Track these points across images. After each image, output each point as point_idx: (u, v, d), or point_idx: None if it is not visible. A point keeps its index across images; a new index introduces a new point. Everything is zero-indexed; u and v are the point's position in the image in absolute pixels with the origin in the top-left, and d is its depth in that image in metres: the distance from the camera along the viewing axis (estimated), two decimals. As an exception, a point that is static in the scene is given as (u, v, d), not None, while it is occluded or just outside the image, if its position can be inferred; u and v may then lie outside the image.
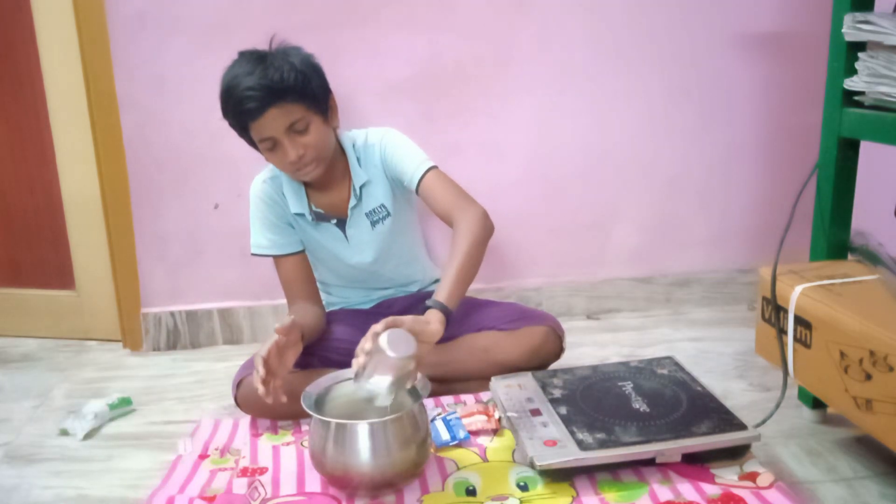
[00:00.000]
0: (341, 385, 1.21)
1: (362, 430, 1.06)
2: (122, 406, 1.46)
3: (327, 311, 1.54)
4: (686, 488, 1.08)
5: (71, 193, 1.79)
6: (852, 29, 1.18)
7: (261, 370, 1.17)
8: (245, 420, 1.37)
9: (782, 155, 1.89)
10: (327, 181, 1.43)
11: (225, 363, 1.70)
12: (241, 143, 1.71)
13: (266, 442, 1.29)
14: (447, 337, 1.47)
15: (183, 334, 1.82)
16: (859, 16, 1.17)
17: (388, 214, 1.46)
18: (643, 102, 1.82)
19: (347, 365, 1.31)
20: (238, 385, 1.35)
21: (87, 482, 1.23)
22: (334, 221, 1.45)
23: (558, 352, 1.44)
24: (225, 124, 1.72)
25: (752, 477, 1.10)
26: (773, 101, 1.86)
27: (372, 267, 1.49)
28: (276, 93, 1.26)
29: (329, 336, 1.46)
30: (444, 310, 1.20)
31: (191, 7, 1.64)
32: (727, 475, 1.11)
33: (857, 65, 1.19)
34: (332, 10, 1.67)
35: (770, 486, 1.07)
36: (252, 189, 1.47)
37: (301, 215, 1.44)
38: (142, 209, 1.74)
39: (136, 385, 1.60)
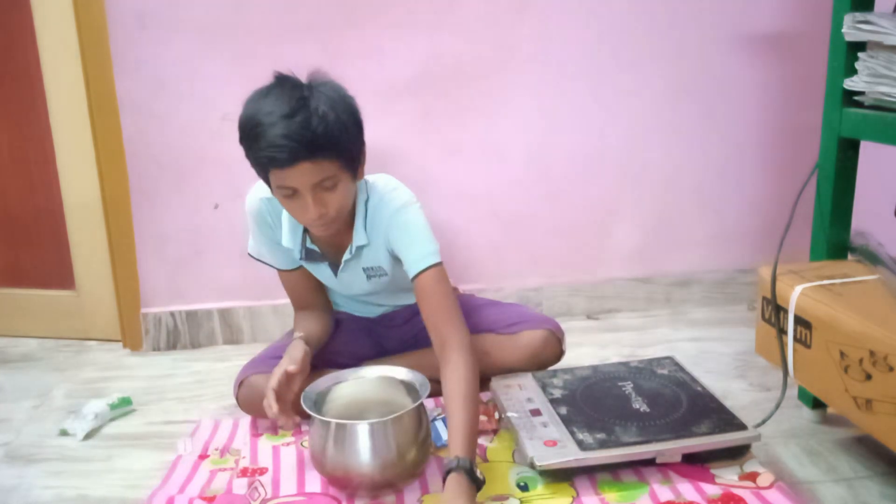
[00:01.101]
0: (341, 386, 1.22)
1: (362, 430, 1.06)
2: (122, 406, 1.46)
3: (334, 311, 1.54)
4: (686, 488, 1.08)
5: (71, 194, 1.79)
6: (852, 29, 1.18)
7: (274, 407, 1.17)
8: (245, 420, 1.37)
9: (782, 155, 1.89)
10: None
11: (225, 363, 1.70)
12: (241, 144, 1.72)
13: (266, 442, 1.29)
14: None
15: (183, 334, 1.81)
16: (859, 16, 1.17)
17: (386, 274, 1.36)
18: (643, 102, 1.82)
19: (349, 367, 1.31)
20: (240, 385, 1.35)
21: (87, 482, 1.23)
22: (326, 263, 1.36)
23: (558, 355, 1.44)
24: (225, 124, 1.72)
25: (753, 477, 1.10)
26: (773, 101, 1.86)
27: (365, 297, 1.46)
28: (315, 148, 1.11)
29: (334, 340, 1.45)
30: (466, 468, 1.02)
31: (191, 7, 1.63)
32: (727, 475, 1.11)
33: (857, 65, 1.19)
34: (332, 10, 1.67)
35: (770, 486, 1.07)
36: (248, 201, 1.35)
37: (289, 251, 1.36)
38: (142, 209, 1.74)
39: (136, 385, 1.60)
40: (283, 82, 1.16)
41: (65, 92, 1.72)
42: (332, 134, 1.12)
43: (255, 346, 1.78)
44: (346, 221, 1.29)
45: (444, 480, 1.02)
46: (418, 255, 1.25)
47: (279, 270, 1.44)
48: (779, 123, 1.88)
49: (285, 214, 1.31)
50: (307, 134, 1.10)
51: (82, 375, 1.67)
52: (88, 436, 1.37)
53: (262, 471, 1.20)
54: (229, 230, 1.76)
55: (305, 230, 1.33)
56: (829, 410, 1.33)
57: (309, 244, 1.34)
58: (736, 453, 1.14)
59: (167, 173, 1.73)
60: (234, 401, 1.49)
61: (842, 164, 1.25)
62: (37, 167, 1.80)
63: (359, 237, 1.30)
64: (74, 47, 1.66)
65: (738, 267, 1.94)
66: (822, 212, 1.29)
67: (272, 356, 1.37)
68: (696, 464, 1.13)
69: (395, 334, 1.52)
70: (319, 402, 1.16)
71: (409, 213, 1.28)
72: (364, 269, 1.36)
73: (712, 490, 1.08)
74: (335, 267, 1.36)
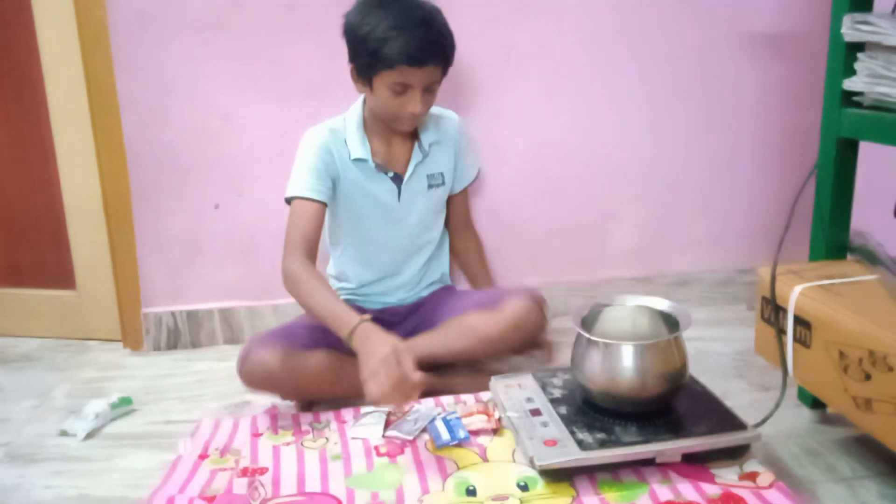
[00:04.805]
0: (606, 310, 1.30)
1: (626, 350, 1.16)
2: (123, 406, 1.46)
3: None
4: (686, 488, 1.09)
5: (71, 193, 1.79)
6: (851, 29, 1.18)
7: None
8: (245, 420, 1.38)
9: (782, 155, 1.89)
10: (393, 134, 1.48)
11: (225, 363, 1.70)
12: (241, 143, 1.72)
13: (266, 442, 1.29)
14: (433, 323, 1.48)
15: (183, 334, 1.82)
16: (858, 16, 1.17)
17: (444, 184, 1.55)
18: (643, 102, 1.83)
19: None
20: (245, 360, 1.34)
21: (87, 482, 1.23)
22: (391, 175, 1.48)
23: (542, 324, 1.45)
24: (226, 124, 1.72)
25: (752, 477, 1.10)
26: (773, 101, 1.86)
27: (408, 231, 1.52)
28: (441, 55, 1.36)
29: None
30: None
31: (191, 7, 1.64)
32: (727, 475, 1.11)
33: (857, 65, 1.19)
34: (332, 10, 1.66)
35: (770, 486, 1.08)
36: (308, 136, 1.46)
37: (363, 161, 1.44)
38: (142, 209, 1.74)
39: (137, 385, 1.60)
40: None
41: (65, 92, 1.72)
42: (451, 46, 1.38)
43: (255, 345, 1.78)
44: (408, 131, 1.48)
45: None
46: (475, 164, 1.65)
47: (301, 202, 1.40)
48: (778, 123, 1.88)
49: (350, 133, 1.46)
50: (441, 42, 1.35)
51: (83, 375, 1.67)
52: (89, 436, 1.38)
53: (263, 470, 1.20)
54: (229, 230, 1.76)
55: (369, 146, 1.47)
56: (829, 410, 1.33)
57: (373, 159, 1.47)
58: (735, 453, 1.15)
59: (168, 173, 1.73)
60: (234, 400, 1.49)
61: (841, 165, 1.25)
62: (37, 167, 1.80)
63: (428, 135, 1.51)
64: (75, 47, 1.66)
65: (737, 267, 1.95)
66: (821, 212, 1.29)
67: (280, 335, 1.38)
68: (696, 463, 1.13)
69: (395, 332, 1.53)
70: (587, 323, 1.26)
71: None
72: (427, 177, 1.52)
73: (712, 490, 1.08)
74: (398, 181, 1.49)
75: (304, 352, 1.36)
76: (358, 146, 1.44)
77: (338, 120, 1.49)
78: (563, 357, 1.46)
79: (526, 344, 1.46)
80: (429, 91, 1.39)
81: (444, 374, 1.46)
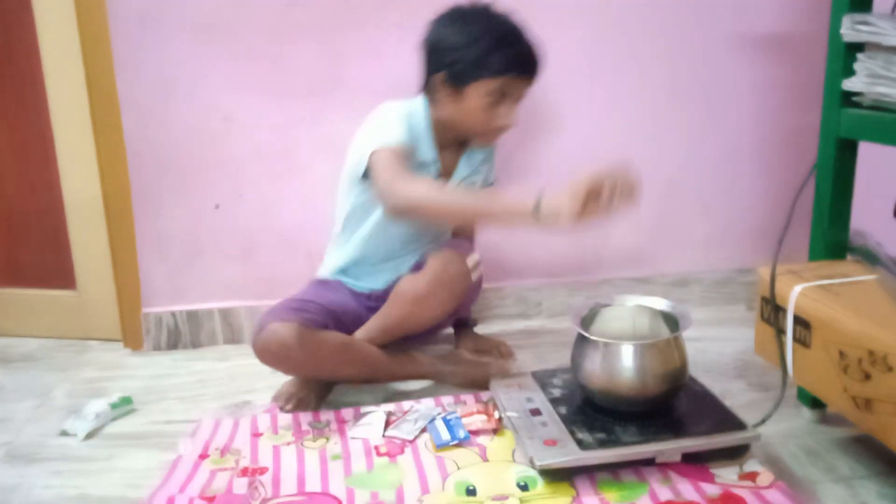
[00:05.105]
0: (605, 310, 1.30)
1: (626, 350, 1.16)
2: (123, 406, 1.46)
3: (326, 279, 1.57)
4: (686, 488, 1.09)
5: (72, 193, 1.79)
6: (851, 30, 1.18)
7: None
8: (245, 420, 1.38)
9: (781, 155, 1.89)
10: (449, 144, 1.49)
11: (226, 363, 1.70)
12: (242, 143, 1.72)
13: (266, 442, 1.30)
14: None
15: (184, 334, 1.82)
16: (858, 17, 1.17)
17: (475, 181, 1.57)
18: (642, 102, 1.83)
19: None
20: (260, 331, 1.33)
21: (87, 482, 1.23)
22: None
23: (465, 274, 1.42)
24: (225, 125, 1.72)
25: (752, 476, 1.11)
26: (773, 101, 1.87)
27: (428, 230, 1.55)
28: (538, 70, 1.40)
29: (340, 316, 1.47)
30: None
31: (192, 7, 1.64)
32: (727, 475, 1.12)
33: (856, 65, 1.19)
34: (333, 11, 1.67)
35: (770, 486, 1.08)
36: (391, 106, 1.42)
37: (427, 164, 1.44)
38: (143, 209, 1.74)
39: (137, 385, 1.60)
40: (503, 16, 1.38)
41: (66, 92, 1.72)
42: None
43: (255, 345, 1.78)
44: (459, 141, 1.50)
45: None
46: (493, 168, 1.63)
47: (399, 148, 1.35)
48: (777, 124, 1.88)
49: (422, 133, 1.43)
50: (539, 56, 1.39)
51: (83, 375, 1.67)
52: (89, 435, 1.38)
53: (263, 470, 1.20)
54: (230, 230, 1.76)
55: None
56: (829, 410, 1.33)
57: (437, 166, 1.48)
58: (735, 453, 1.15)
59: (168, 173, 1.73)
60: (234, 400, 1.49)
61: (840, 165, 1.25)
62: (38, 167, 1.80)
63: (483, 150, 1.54)
64: (76, 47, 1.66)
65: (737, 267, 1.95)
66: (820, 212, 1.29)
67: (297, 308, 1.38)
68: (696, 463, 1.14)
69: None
70: (587, 323, 1.27)
71: None
72: (463, 181, 1.53)
73: (712, 489, 1.08)
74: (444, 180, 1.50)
75: (319, 330, 1.36)
76: (427, 149, 1.44)
77: (406, 109, 1.42)
78: (563, 358, 1.47)
79: (461, 297, 1.43)
80: (517, 105, 1.41)
81: (432, 362, 1.49)
